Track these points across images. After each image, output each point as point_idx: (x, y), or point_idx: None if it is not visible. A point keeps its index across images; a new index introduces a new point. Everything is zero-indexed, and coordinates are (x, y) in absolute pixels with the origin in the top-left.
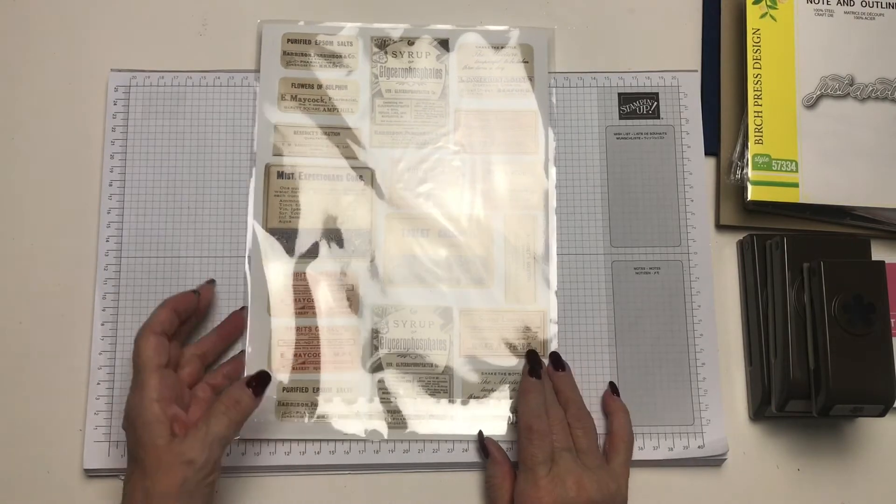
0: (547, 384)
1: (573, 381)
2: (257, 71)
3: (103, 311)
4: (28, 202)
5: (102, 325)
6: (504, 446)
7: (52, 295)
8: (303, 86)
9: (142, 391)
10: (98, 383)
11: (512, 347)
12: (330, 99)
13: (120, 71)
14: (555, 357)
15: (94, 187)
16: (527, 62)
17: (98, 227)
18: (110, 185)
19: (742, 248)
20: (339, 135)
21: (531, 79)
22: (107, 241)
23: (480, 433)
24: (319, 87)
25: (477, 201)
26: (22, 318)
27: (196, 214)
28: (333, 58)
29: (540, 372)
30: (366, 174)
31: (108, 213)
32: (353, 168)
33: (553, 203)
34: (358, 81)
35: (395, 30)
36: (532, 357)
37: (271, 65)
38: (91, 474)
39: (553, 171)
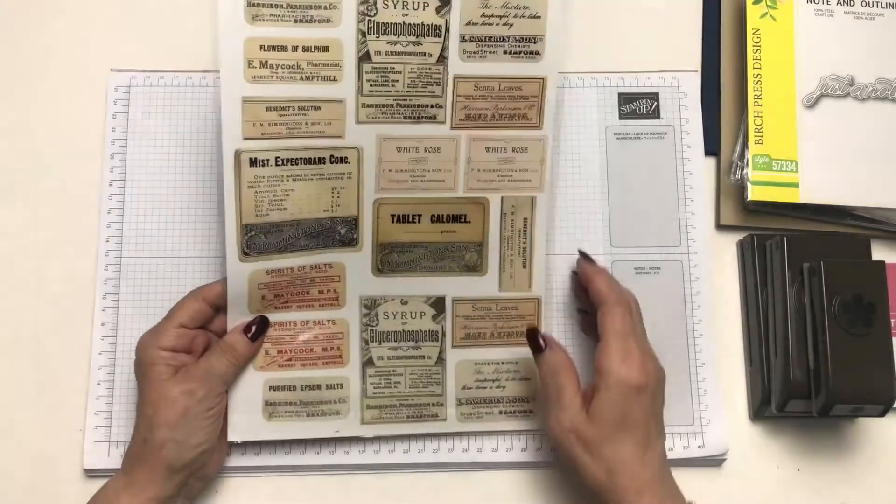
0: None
1: (608, 273)
2: None
3: (103, 311)
4: (28, 202)
5: (102, 325)
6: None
7: (52, 295)
8: (274, 48)
9: (156, 336)
10: (98, 383)
11: (506, 336)
12: (308, 63)
13: (120, 71)
14: (583, 254)
15: (94, 187)
16: (539, 17)
17: (98, 227)
18: (110, 185)
19: (742, 248)
20: (319, 109)
21: (542, 39)
22: (107, 241)
23: (530, 329)
24: (295, 49)
25: (472, 182)
26: (22, 318)
27: (196, 214)
28: (311, 9)
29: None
30: (352, 155)
31: (108, 213)
32: (337, 148)
33: (549, 179)
34: (341, 40)
35: None
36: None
37: (233, 21)
38: (91, 474)
39: (553, 146)
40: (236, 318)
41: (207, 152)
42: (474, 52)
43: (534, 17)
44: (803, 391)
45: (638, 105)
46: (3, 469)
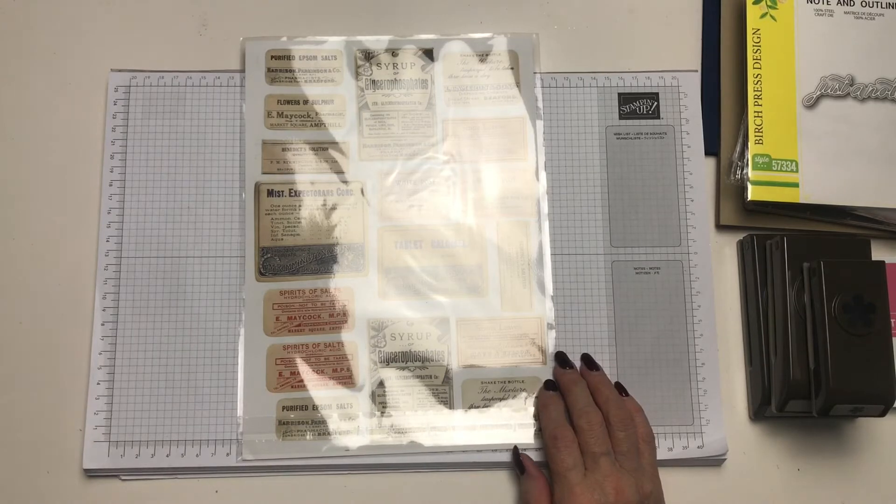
0: (581, 383)
1: (608, 379)
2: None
3: (103, 311)
4: (28, 202)
5: (102, 325)
6: (509, 456)
7: (52, 295)
8: (289, 102)
9: None
10: (98, 383)
11: (511, 355)
12: (317, 114)
13: (120, 71)
14: (587, 358)
15: (94, 187)
16: (513, 68)
17: (98, 227)
18: (110, 185)
19: (742, 248)
20: (326, 150)
21: (518, 85)
22: (107, 241)
23: (515, 448)
24: (305, 102)
25: (469, 210)
26: (22, 318)
27: (196, 214)
28: (318, 72)
29: (567, 370)
30: (356, 188)
31: (108, 213)
32: (342, 182)
33: (545, 208)
34: (344, 95)
35: (379, 41)
36: (561, 357)
37: (256, 82)
38: (91, 474)
39: (544, 175)
40: (253, 338)
41: (207, 152)
42: (458, 99)
43: (507, 68)
44: (803, 391)
45: (638, 105)
46: (3, 468)
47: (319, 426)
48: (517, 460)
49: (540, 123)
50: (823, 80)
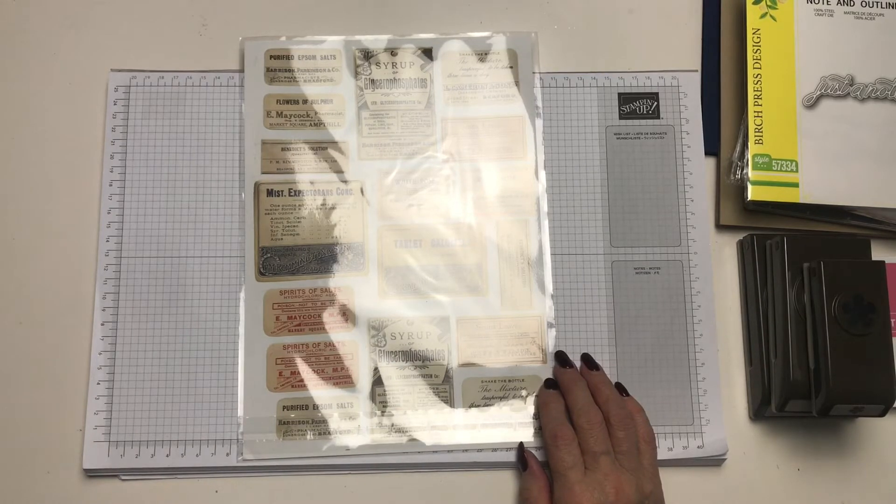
0: (581, 382)
1: (608, 379)
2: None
3: (103, 311)
4: (28, 202)
5: (102, 325)
6: (509, 455)
7: (52, 295)
8: (288, 101)
9: None
10: (98, 383)
11: (511, 354)
12: (316, 114)
13: (120, 71)
14: (587, 358)
15: (94, 187)
16: (512, 67)
17: (98, 227)
18: (110, 185)
19: (742, 248)
20: (326, 149)
21: (517, 83)
22: (107, 241)
23: (521, 445)
24: (305, 102)
25: (468, 209)
26: (22, 318)
27: (196, 214)
28: (317, 72)
29: (567, 369)
30: (355, 187)
31: (108, 213)
32: (342, 182)
33: (545, 207)
34: (343, 95)
35: (378, 41)
36: (561, 356)
37: (255, 82)
38: (91, 474)
39: (543, 174)
40: (253, 338)
41: (207, 152)
42: (457, 98)
43: (506, 67)
44: (803, 391)
45: (638, 105)
46: (3, 468)
47: (320, 426)
48: (521, 456)
49: (539, 122)
50: (823, 80)
